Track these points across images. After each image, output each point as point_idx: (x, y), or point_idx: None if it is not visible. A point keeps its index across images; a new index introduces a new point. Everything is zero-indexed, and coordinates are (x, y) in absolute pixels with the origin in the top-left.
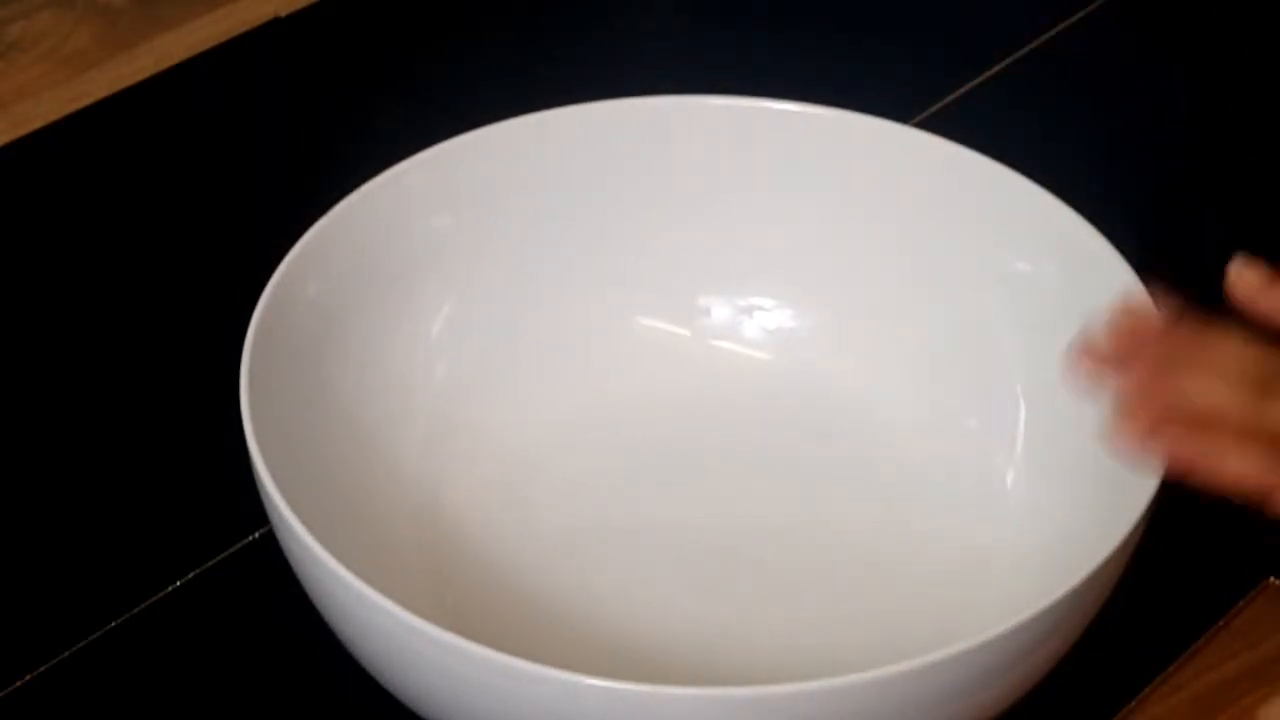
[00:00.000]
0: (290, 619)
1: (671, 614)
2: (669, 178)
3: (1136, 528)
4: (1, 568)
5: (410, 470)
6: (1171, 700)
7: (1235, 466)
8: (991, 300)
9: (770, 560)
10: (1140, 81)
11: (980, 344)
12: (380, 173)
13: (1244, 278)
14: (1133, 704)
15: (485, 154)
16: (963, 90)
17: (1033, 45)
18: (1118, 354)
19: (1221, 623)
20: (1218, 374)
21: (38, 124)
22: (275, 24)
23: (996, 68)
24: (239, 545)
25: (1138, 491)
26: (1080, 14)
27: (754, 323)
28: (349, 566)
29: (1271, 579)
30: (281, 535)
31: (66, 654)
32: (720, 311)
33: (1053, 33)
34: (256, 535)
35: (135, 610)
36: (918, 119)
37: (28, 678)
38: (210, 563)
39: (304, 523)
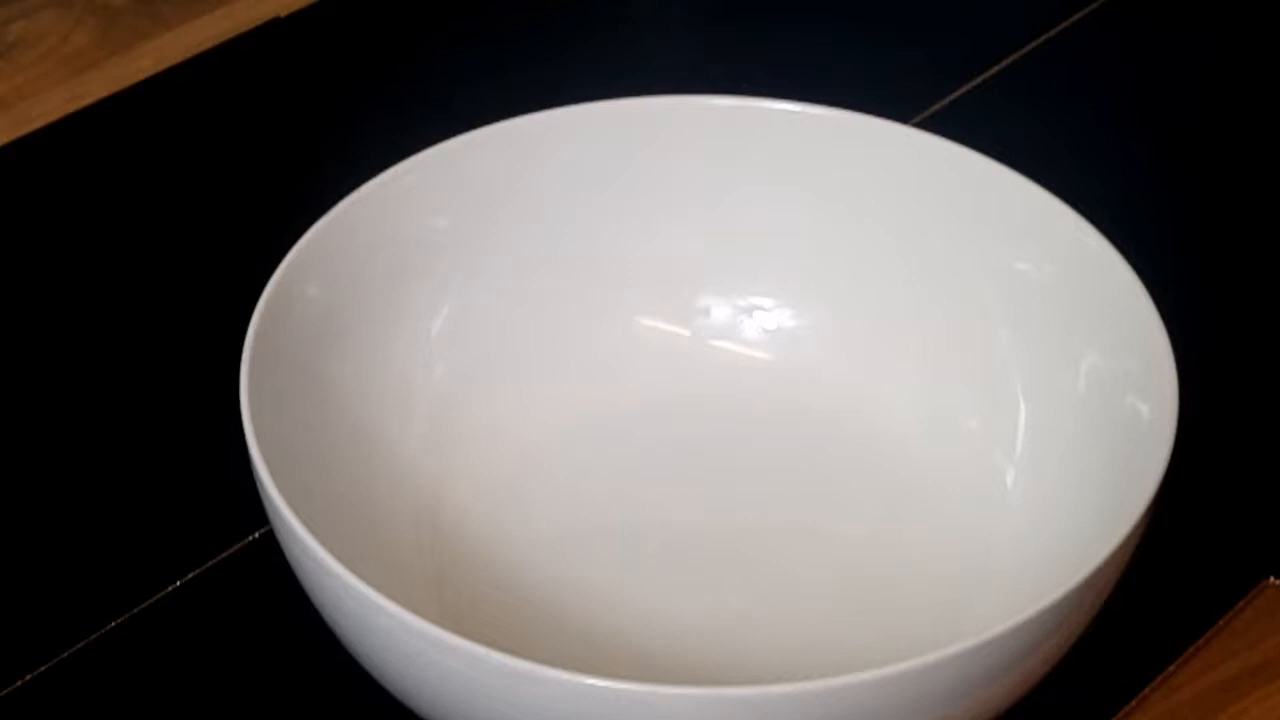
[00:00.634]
0: (290, 619)
1: (671, 614)
2: (669, 178)
3: (1136, 528)
4: (1, 568)
5: (410, 470)
6: (1171, 700)
7: None
8: (991, 300)
9: (770, 560)
10: (1140, 81)
11: (980, 344)
12: (380, 173)
13: None
14: (1133, 704)
15: (485, 154)
16: (963, 90)
17: (1033, 45)
18: None
19: (1221, 623)
20: None
21: (38, 124)
22: (275, 24)
23: (996, 68)
24: (239, 545)
25: (1138, 491)
26: (1080, 14)
27: (754, 323)
28: (349, 566)
29: (1271, 579)
30: (281, 535)
31: (66, 654)
32: (720, 311)
33: (1053, 32)
34: (256, 535)
35: (135, 610)
36: (918, 119)
37: (28, 678)
38: (210, 563)
39: (304, 523)
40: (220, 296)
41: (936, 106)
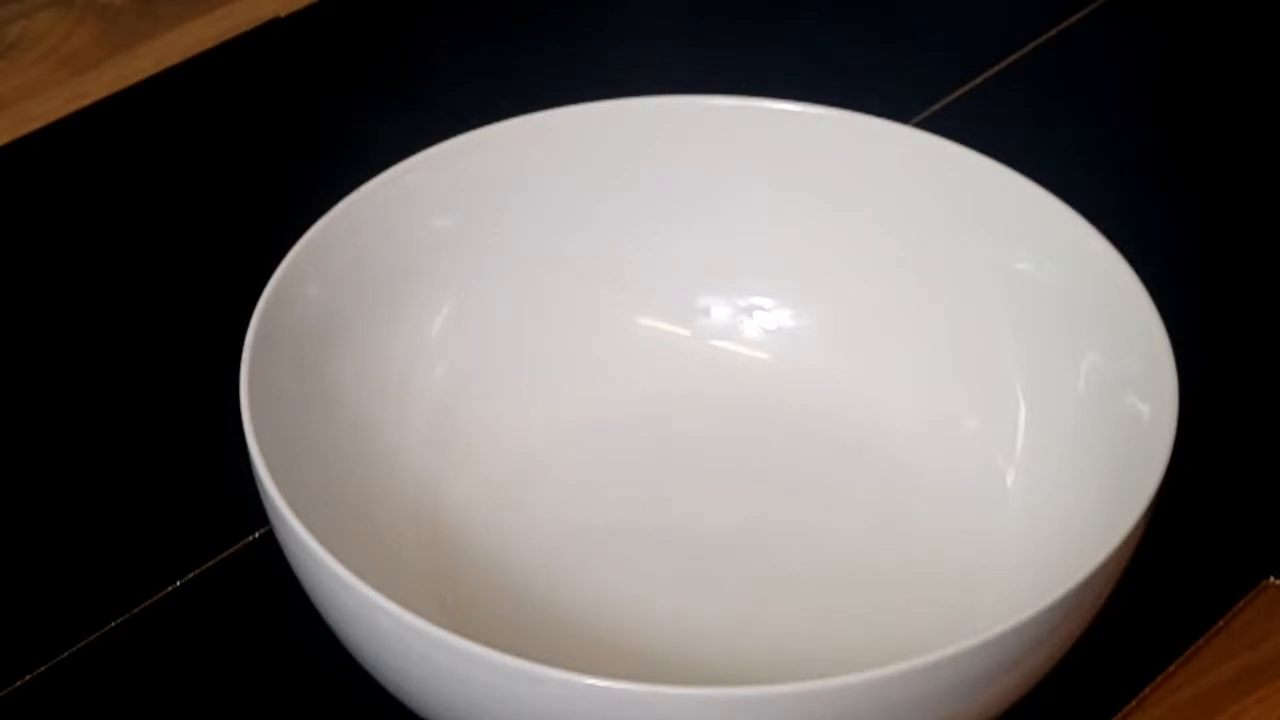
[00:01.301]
0: (290, 619)
1: (672, 613)
2: (669, 178)
3: (1136, 528)
4: (1, 568)
5: (410, 470)
6: (1171, 700)
7: None
8: (992, 300)
9: (770, 560)
10: (1140, 81)
11: (980, 344)
12: (380, 173)
13: None
14: (1133, 704)
15: (485, 154)
16: (963, 90)
17: (1033, 45)
18: None
19: (1221, 623)
20: None
21: (38, 124)
22: (275, 24)
23: (996, 68)
24: (239, 545)
25: (1138, 491)
26: (1080, 14)
27: (754, 323)
28: (349, 566)
29: (1271, 579)
30: (281, 535)
31: (66, 654)
32: (720, 311)
33: (1053, 32)
34: (256, 535)
35: (135, 610)
36: (918, 119)
37: (28, 678)
38: (210, 563)
39: (304, 523)
40: (220, 296)
41: (936, 106)
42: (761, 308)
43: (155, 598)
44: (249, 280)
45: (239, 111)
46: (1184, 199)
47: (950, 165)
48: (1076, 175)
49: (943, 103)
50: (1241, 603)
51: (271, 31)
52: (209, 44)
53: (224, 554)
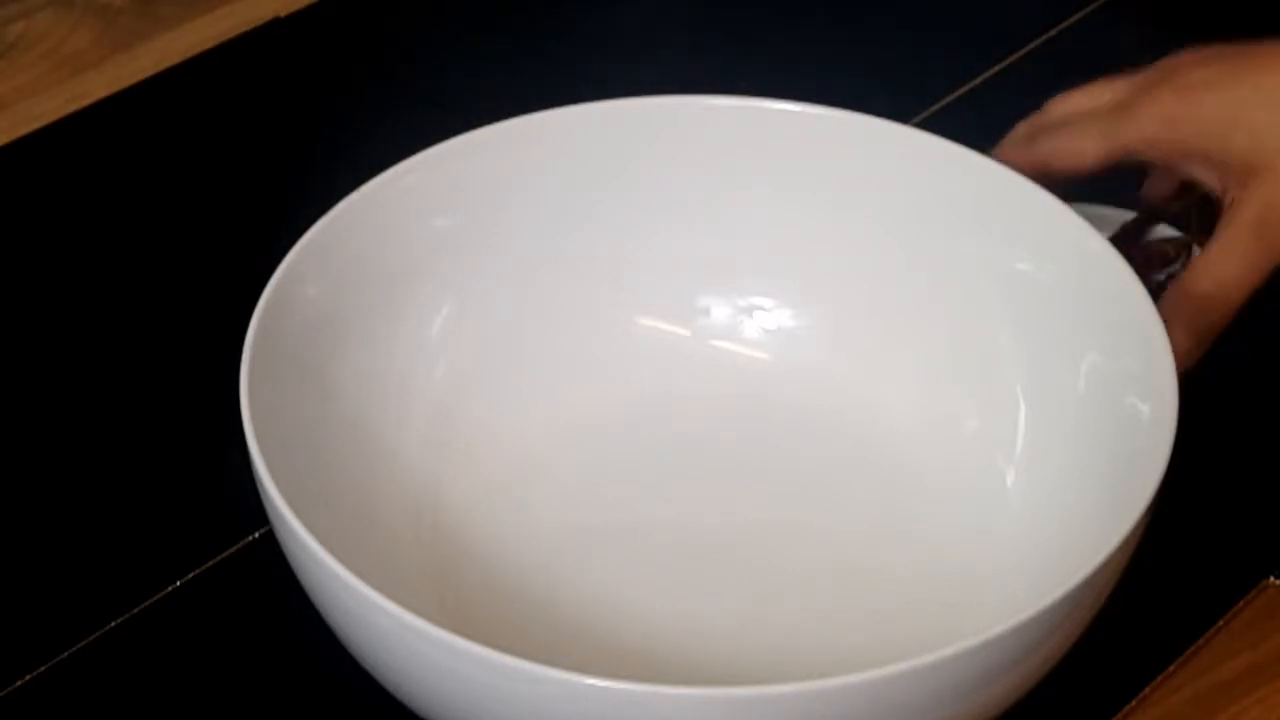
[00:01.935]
0: (290, 619)
1: (671, 613)
2: (669, 178)
3: (1136, 528)
4: (1, 568)
5: (410, 470)
6: (1171, 700)
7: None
8: (991, 300)
9: (770, 560)
10: None
11: (980, 344)
12: (380, 173)
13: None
14: (1133, 704)
15: (485, 154)
16: (963, 90)
17: (1033, 45)
18: None
19: (1221, 623)
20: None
21: (38, 124)
22: (275, 24)
23: (996, 68)
24: (239, 545)
25: (1138, 491)
26: (1081, 14)
27: (754, 323)
28: (349, 566)
29: (1271, 579)
30: (281, 535)
31: (66, 654)
32: (720, 311)
33: (1053, 32)
34: (256, 535)
35: (135, 610)
36: (918, 119)
37: (28, 678)
38: (210, 563)
39: (304, 523)
40: (220, 296)
41: (936, 106)
42: (761, 308)
43: (155, 598)
44: (249, 280)
45: (239, 111)
46: None
47: (950, 165)
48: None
49: (943, 103)
50: (1241, 603)
51: (271, 31)
52: (209, 44)
53: (224, 554)
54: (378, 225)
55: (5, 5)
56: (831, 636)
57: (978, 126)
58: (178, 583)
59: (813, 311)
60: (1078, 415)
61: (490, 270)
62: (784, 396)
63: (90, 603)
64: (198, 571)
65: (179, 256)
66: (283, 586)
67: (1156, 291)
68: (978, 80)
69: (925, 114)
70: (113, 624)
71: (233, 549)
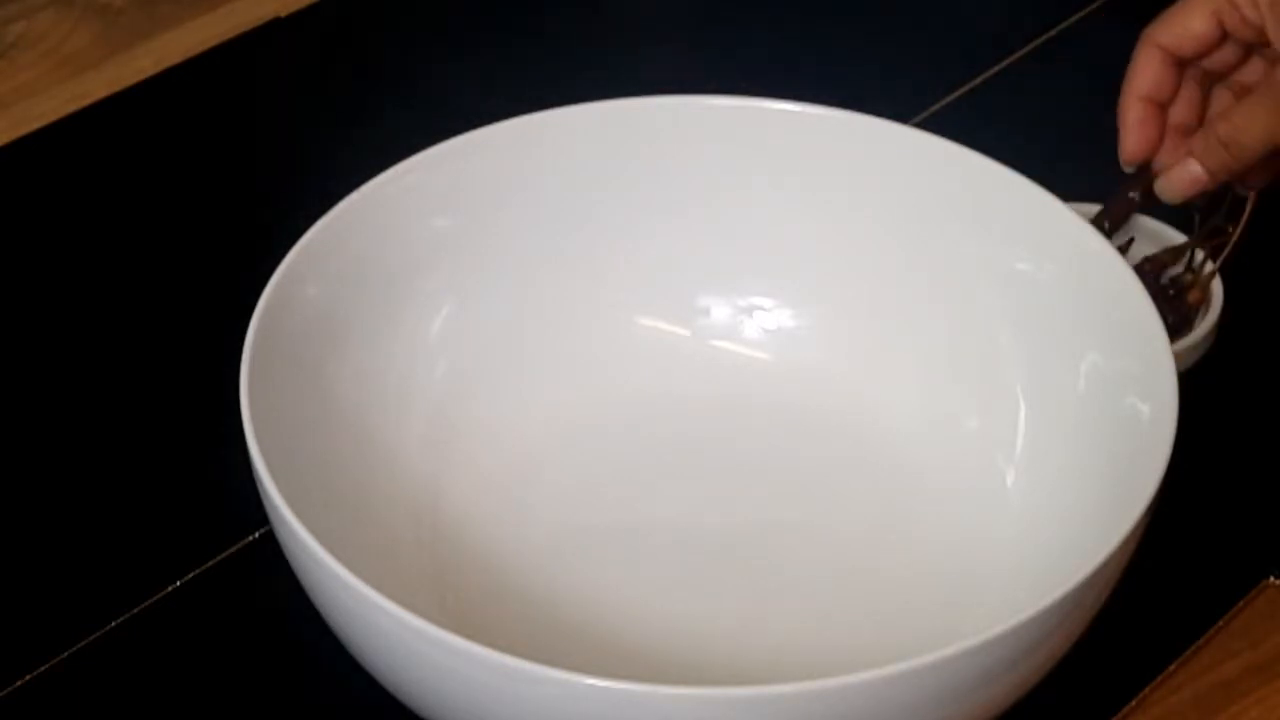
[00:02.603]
0: (290, 619)
1: (671, 613)
2: (669, 178)
3: (1136, 528)
4: (1, 568)
5: (410, 470)
6: (1172, 700)
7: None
8: (991, 300)
9: (770, 560)
10: None
11: (980, 344)
12: (380, 173)
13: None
14: (1133, 704)
15: (485, 154)
16: (963, 90)
17: (1033, 45)
18: None
19: (1221, 623)
20: None
21: (38, 124)
22: (275, 24)
23: (996, 68)
24: (239, 545)
25: (1138, 491)
26: (1080, 14)
27: (754, 323)
28: (349, 566)
29: (1271, 579)
30: (281, 535)
31: (66, 654)
32: (720, 311)
33: (1053, 33)
34: (256, 535)
35: (135, 610)
36: (918, 119)
37: (28, 678)
38: (210, 563)
39: (304, 523)
40: (220, 296)
41: (936, 106)
42: (761, 308)
43: (155, 598)
44: (249, 280)
45: (239, 111)
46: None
47: (950, 165)
48: (1076, 175)
49: (943, 103)
50: (1241, 603)
51: (272, 31)
52: (209, 44)
53: (224, 554)
54: (378, 225)
55: (5, 5)
56: (831, 636)
57: (978, 126)
58: (178, 583)
59: (813, 311)
60: (1078, 415)
61: (490, 270)
62: (784, 396)
63: (90, 603)
64: (198, 571)
65: (179, 256)
66: (283, 586)
67: (1157, 293)
68: (978, 80)
69: (925, 114)
70: (113, 624)
71: (233, 549)
